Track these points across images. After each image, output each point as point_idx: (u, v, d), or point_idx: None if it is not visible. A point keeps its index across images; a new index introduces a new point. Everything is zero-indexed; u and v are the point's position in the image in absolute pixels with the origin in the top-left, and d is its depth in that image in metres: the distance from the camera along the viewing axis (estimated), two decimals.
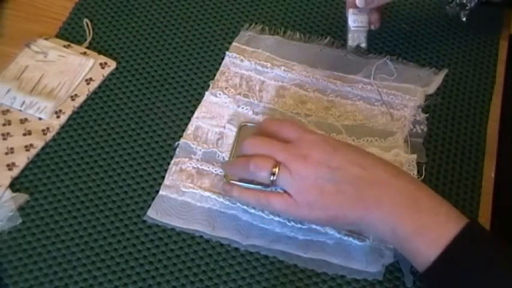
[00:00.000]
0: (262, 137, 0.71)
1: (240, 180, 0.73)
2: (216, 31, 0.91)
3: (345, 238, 0.73)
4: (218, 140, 0.80)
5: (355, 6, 0.80)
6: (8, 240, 0.73)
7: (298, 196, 0.67)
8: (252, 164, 0.69)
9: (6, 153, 0.78)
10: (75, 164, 0.79)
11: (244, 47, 0.88)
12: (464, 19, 0.82)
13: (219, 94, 0.83)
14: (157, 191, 0.76)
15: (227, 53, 0.88)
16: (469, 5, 0.82)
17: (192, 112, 0.82)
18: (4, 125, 0.81)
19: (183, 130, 0.81)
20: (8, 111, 0.82)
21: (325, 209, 0.67)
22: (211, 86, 0.85)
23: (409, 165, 0.77)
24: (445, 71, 0.86)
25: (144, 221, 0.74)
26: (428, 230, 0.63)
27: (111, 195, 0.76)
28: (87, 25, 0.90)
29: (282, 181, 0.67)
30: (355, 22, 0.82)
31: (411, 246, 0.64)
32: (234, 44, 0.89)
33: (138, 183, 0.77)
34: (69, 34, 0.90)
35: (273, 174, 0.67)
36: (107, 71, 0.86)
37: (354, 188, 0.66)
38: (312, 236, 0.73)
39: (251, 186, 0.75)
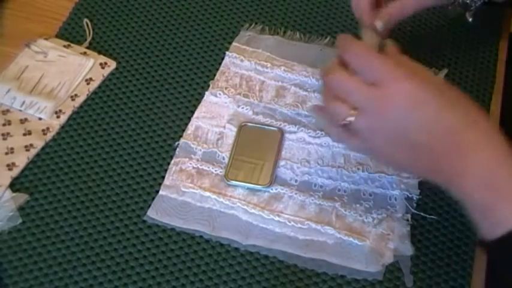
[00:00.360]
0: (349, 76, 0.66)
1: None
2: (216, 31, 0.91)
3: (345, 238, 0.73)
4: (218, 140, 0.80)
5: (371, 25, 0.76)
6: (8, 240, 0.73)
7: (369, 145, 0.67)
8: (331, 106, 0.67)
9: (6, 153, 0.78)
10: (75, 164, 0.79)
11: (244, 47, 0.88)
12: (470, 19, 0.82)
13: (219, 94, 0.83)
14: (157, 191, 0.76)
15: (227, 53, 0.88)
16: (473, 5, 0.81)
17: (192, 112, 0.82)
18: (4, 125, 0.81)
19: (183, 130, 0.81)
20: (8, 111, 0.82)
21: (393, 162, 0.69)
22: (211, 86, 0.85)
23: None
24: (445, 71, 0.86)
25: (144, 221, 0.74)
26: (494, 212, 0.61)
27: (111, 195, 0.76)
28: (87, 25, 0.90)
29: (356, 128, 0.66)
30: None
31: (477, 219, 0.62)
32: (234, 44, 0.89)
33: (138, 183, 0.77)
34: (69, 34, 0.90)
35: (348, 120, 0.65)
36: (107, 71, 0.86)
37: (427, 155, 0.63)
38: (312, 236, 0.73)
39: (251, 186, 0.76)
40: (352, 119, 0.65)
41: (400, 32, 0.90)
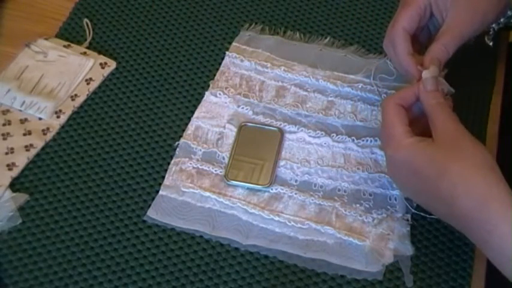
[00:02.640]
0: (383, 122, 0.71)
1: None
2: (216, 31, 0.91)
3: (345, 238, 0.73)
4: (218, 140, 0.80)
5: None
6: (8, 240, 0.73)
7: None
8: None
9: (6, 153, 0.78)
10: (75, 164, 0.79)
11: (244, 47, 0.88)
12: (491, 43, 0.80)
13: (219, 94, 0.83)
14: (157, 191, 0.76)
15: (227, 53, 0.88)
16: (491, 30, 0.80)
17: (192, 112, 0.82)
18: (4, 125, 0.81)
19: (183, 130, 0.81)
20: (8, 111, 0.82)
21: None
22: (211, 86, 0.85)
23: None
24: (445, 71, 0.86)
25: (144, 221, 0.74)
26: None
27: (111, 195, 0.76)
28: (87, 25, 0.90)
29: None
30: None
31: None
32: (234, 44, 0.89)
33: (138, 183, 0.77)
34: (69, 34, 0.90)
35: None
36: (107, 71, 0.86)
37: (435, 212, 0.69)
38: (312, 236, 0.73)
39: (251, 186, 0.76)
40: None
41: None
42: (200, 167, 0.78)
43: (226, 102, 0.83)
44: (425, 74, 0.70)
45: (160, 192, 0.76)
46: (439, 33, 0.74)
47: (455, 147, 0.65)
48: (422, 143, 0.66)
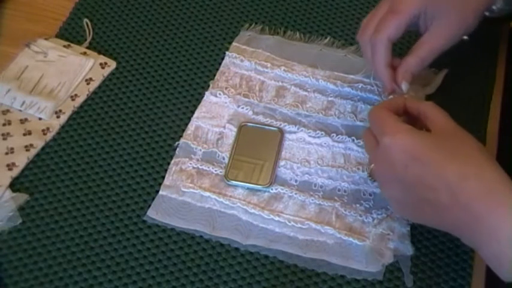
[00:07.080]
0: (366, 131, 0.70)
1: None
2: (216, 31, 0.91)
3: (345, 238, 0.73)
4: (218, 140, 0.80)
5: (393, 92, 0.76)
6: (8, 240, 0.73)
7: (386, 194, 0.69)
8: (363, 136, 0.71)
9: (6, 153, 0.78)
10: (75, 164, 0.79)
11: (244, 47, 0.88)
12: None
13: (219, 94, 0.83)
14: (157, 191, 0.76)
15: (227, 53, 0.88)
16: None
17: (192, 112, 0.82)
18: (4, 125, 0.81)
19: (183, 130, 0.81)
20: (8, 111, 0.82)
21: (406, 214, 0.70)
22: (211, 86, 0.85)
23: None
24: (445, 71, 0.86)
25: (144, 221, 0.74)
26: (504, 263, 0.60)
27: (111, 195, 0.76)
28: (87, 25, 0.90)
29: (376, 177, 0.70)
30: None
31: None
32: (234, 44, 0.89)
33: (138, 183, 0.77)
34: (69, 34, 0.90)
35: (370, 168, 0.70)
36: (107, 71, 0.86)
37: (432, 208, 0.64)
38: (312, 236, 0.73)
39: (251, 186, 0.76)
40: (372, 166, 0.69)
41: None
42: (200, 167, 0.78)
43: (226, 102, 0.83)
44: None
45: (160, 192, 0.76)
46: (418, 43, 0.75)
47: (459, 137, 0.64)
48: (422, 132, 0.65)
